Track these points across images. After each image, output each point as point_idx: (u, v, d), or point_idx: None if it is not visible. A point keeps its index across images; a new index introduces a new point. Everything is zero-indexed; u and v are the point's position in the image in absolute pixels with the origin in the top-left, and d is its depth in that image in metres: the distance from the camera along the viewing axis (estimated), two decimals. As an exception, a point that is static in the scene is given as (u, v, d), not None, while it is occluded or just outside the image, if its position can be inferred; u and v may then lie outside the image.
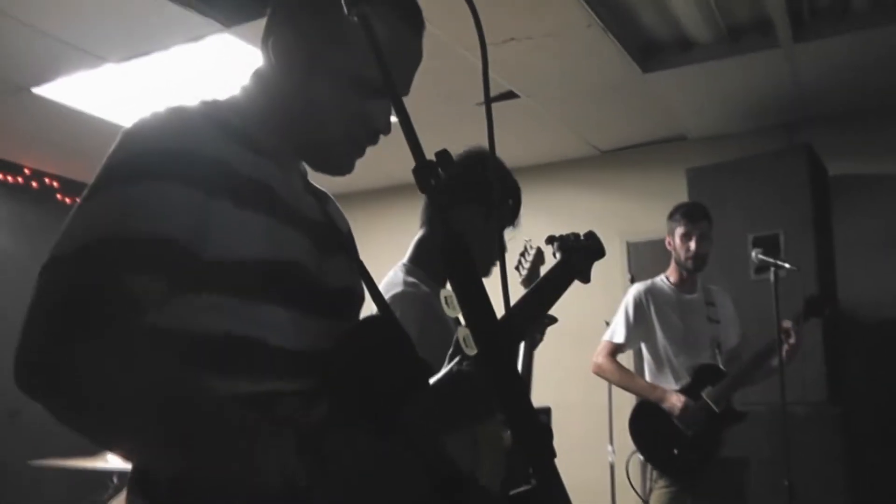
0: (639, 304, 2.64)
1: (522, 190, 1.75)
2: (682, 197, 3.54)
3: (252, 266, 0.75)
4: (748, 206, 3.38)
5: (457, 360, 0.78)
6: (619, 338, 2.63)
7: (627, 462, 2.72)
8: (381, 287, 1.42)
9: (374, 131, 0.86)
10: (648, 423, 2.51)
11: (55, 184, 4.49)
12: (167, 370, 0.70)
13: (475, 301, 0.53)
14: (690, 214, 2.63)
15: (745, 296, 3.15)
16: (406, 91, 0.85)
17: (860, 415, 3.38)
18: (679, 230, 2.63)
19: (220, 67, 3.03)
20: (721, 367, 2.55)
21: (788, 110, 3.74)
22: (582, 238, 1.17)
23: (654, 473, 2.50)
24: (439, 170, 0.58)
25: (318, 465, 0.68)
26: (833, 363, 3.22)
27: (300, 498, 0.68)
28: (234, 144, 0.78)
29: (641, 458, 2.55)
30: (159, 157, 0.73)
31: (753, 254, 2.64)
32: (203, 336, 0.74)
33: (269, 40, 0.86)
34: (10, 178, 4.34)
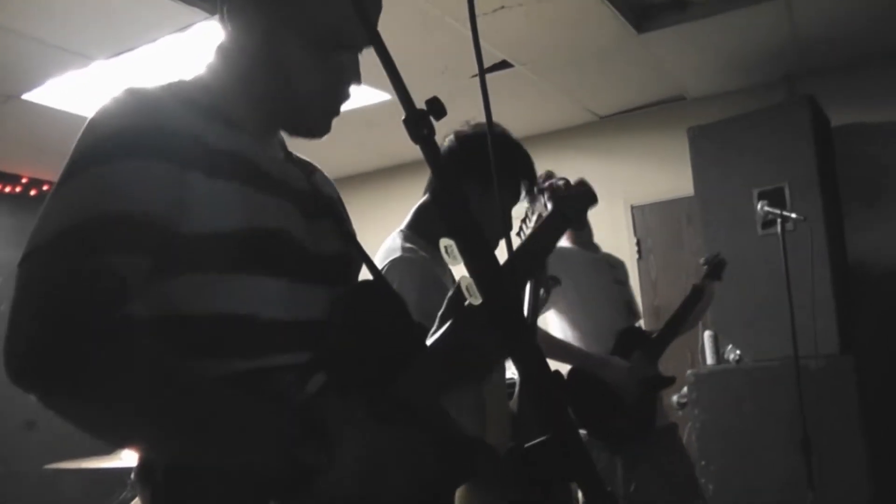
0: None
1: None
2: (685, 157, 3.51)
3: (231, 236, 0.73)
4: (752, 162, 3.34)
5: (449, 321, 0.75)
6: None
7: None
8: (379, 253, 1.41)
9: (345, 83, 0.83)
10: (582, 389, 2.25)
11: (54, 190, 4.50)
12: (159, 356, 0.68)
13: (476, 248, 0.51)
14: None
15: (753, 252, 3.13)
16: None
17: (873, 366, 3.36)
18: None
19: (210, 55, 2.99)
20: (641, 328, 2.37)
21: (788, 63, 3.68)
22: (573, 185, 1.15)
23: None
24: (431, 118, 0.56)
25: (324, 447, 0.66)
26: (844, 315, 3.20)
27: (304, 479, 0.66)
28: (203, 119, 0.76)
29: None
30: (128, 135, 0.71)
31: (759, 206, 2.60)
32: (191, 318, 0.72)
33: (224, 10, 0.83)
34: (8, 189, 4.32)
